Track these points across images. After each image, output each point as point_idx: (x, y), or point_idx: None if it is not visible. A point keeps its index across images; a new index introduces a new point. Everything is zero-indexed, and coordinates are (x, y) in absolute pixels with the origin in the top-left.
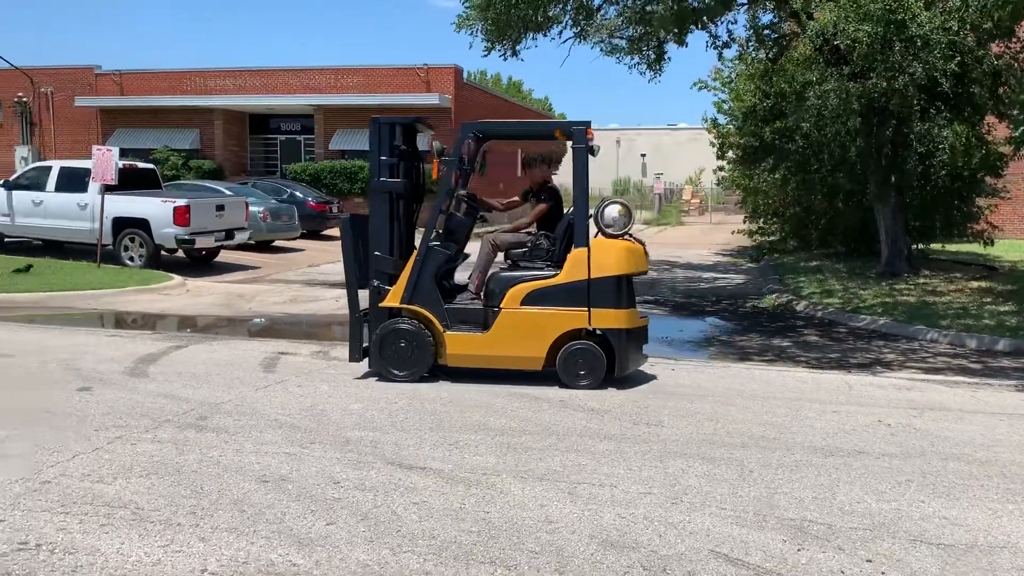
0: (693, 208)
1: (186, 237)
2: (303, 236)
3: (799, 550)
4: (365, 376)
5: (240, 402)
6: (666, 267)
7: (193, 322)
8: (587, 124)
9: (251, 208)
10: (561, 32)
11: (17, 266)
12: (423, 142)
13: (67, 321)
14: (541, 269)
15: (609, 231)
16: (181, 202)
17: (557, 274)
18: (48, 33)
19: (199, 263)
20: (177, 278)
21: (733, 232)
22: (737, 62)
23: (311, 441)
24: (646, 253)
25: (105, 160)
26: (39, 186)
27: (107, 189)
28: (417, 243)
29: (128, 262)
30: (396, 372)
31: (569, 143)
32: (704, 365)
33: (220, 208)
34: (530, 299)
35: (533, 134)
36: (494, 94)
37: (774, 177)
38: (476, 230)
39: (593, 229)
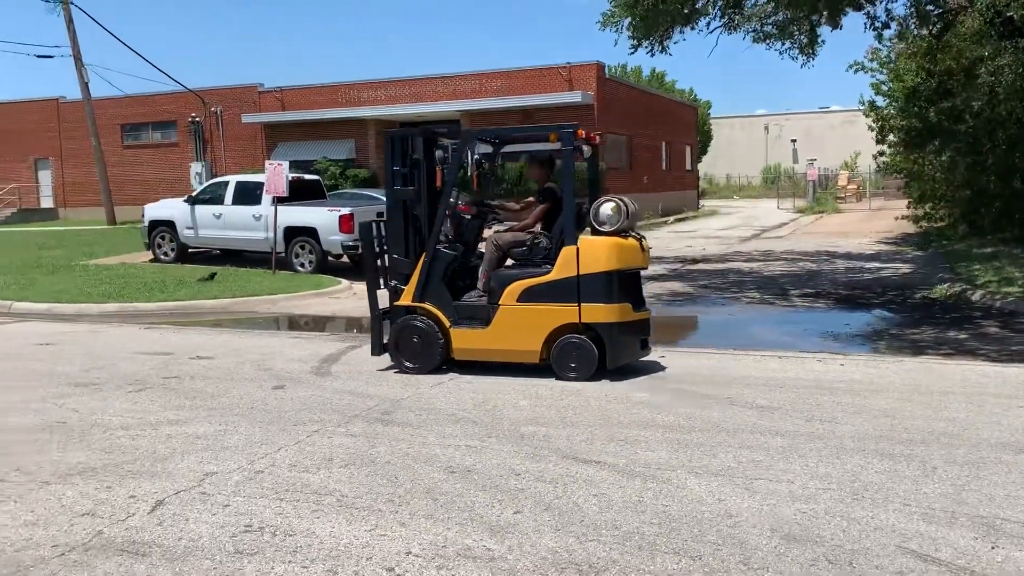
0: (849, 194)
1: (350, 243)
2: None
3: (992, 548)
4: (388, 368)
5: (418, 398)
6: (825, 258)
7: (363, 324)
8: (575, 127)
9: None
10: (709, 23)
11: (203, 275)
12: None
13: (252, 324)
14: (539, 267)
15: (603, 229)
16: (345, 210)
17: (550, 271)
18: (214, 55)
19: (362, 267)
20: (344, 282)
21: (897, 219)
22: (895, 41)
23: (488, 435)
24: (643, 249)
25: (277, 174)
26: (218, 200)
27: (278, 200)
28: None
29: (299, 268)
30: (409, 364)
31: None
32: (876, 359)
33: (381, 215)
34: (525, 295)
35: (530, 138)
36: (637, 88)
37: (941, 160)
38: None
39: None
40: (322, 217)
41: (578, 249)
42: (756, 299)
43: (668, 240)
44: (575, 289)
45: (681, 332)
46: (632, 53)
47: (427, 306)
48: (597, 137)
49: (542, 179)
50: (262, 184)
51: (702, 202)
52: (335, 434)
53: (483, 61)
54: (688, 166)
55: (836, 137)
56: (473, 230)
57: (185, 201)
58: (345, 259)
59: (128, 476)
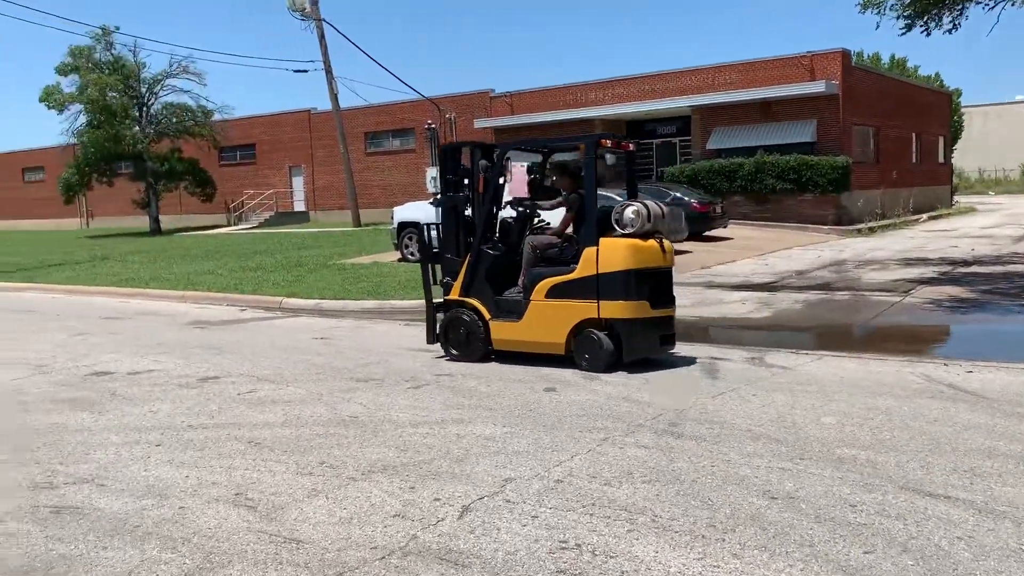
0: None
1: None
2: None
3: None
4: (441, 357)
5: (702, 409)
6: None
7: None
8: (598, 137)
9: None
10: None
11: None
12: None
13: None
14: (567, 266)
15: (625, 231)
16: None
17: (575, 269)
18: (449, 64)
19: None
20: None
21: None
22: None
23: (799, 456)
24: (664, 250)
25: (520, 176)
26: None
27: (518, 201)
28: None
29: None
30: (455, 352)
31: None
32: None
33: (607, 211)
34: (552, 292)
35: (562, 148)
36: (886, 76)
37: None
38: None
39: None
40: (558, 217)
41: (597, 250)
42: None
43: (925, 240)
44: (595, 286)
45: (980, 343)
46: (903, 33)
47: (471, 301)
48: (630, 145)
49: (570, 187)
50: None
51: (956, 198)
52: (625, 444)
53: (712, 56)
54: (940, 159)
55: None
56: (515, 231)
57: (431, 203)
58: None
59: (428, 477)
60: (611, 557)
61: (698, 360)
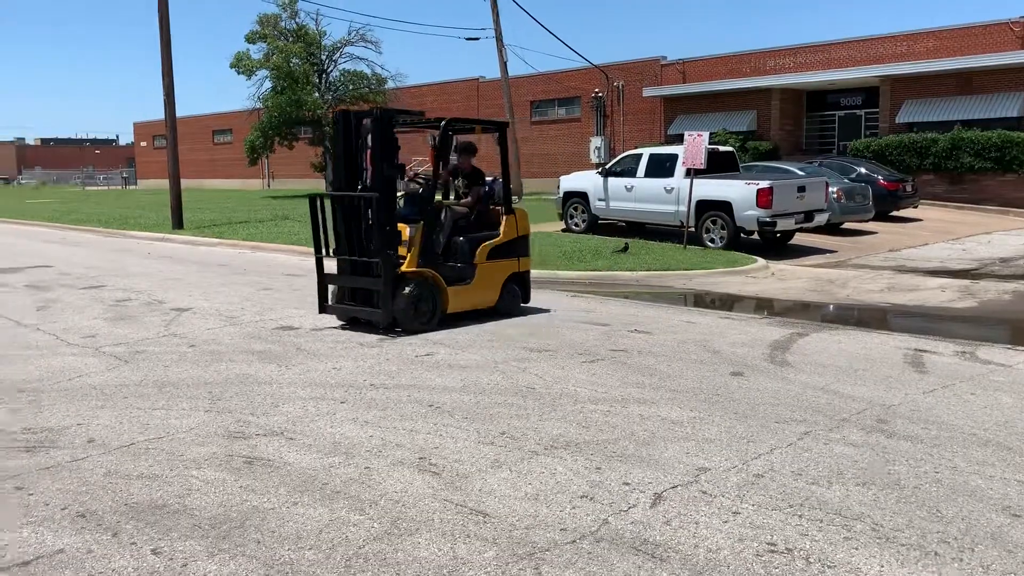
0: None
1: (767, 219)
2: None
3: None
4: (336, 327)
5: (914, 407)
6: None
7: (799, 308)
8: (506, 124)
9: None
10: None
11: (617, 247)
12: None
13: (672, 299)
14: (488, 231)
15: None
16: (764, 185)
17: (499, 235)
18: (619, 31)
19: (773, 245)
20: (760, 261)
21: None
22: None
23: None
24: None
25: (696, 145)
26: (630, 173)
27: (693, 173)
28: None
29: (709, 244)
30: (418, 324)
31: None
32: None
33: (801, 190)
34: (492, 254)
35: (471, 128)
36: None
37: None
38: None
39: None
40: (738, 191)
41: (516, 216)
42: None
43: None
44: (516, 247)
45: None
46: None
47: (430, 271)
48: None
49: (468, 165)
50: (675, 157)
51: None
52: (831, 440)
53: (903, 23)
54: None
55: None
56: (427, 204)
57: (598, 173)
58: (755, 236)
59: (614, 458)
60: (828, 567)
61: (901, 351)
